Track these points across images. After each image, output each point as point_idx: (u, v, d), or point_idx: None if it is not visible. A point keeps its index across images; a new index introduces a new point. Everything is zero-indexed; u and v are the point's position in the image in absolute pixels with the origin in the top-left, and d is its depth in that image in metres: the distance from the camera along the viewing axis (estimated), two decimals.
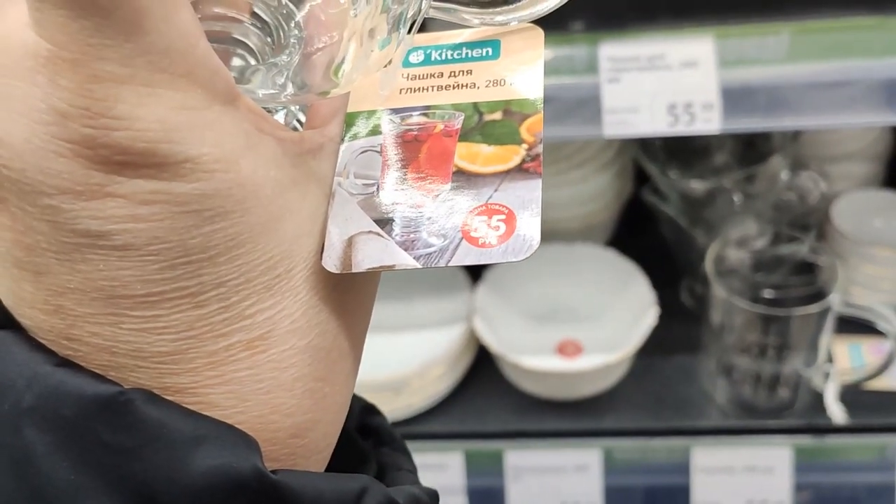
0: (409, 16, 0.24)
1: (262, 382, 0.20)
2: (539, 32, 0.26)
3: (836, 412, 0.82)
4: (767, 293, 0.94)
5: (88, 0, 0.16)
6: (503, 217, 0.22)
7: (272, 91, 0.22)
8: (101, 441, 0.18)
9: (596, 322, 0.94)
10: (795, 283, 0.92)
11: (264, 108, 0.22)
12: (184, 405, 0.19)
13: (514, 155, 0.24)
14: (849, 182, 1.01)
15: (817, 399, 0.84)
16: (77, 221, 0.18)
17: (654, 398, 0.88)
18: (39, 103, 0.17)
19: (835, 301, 0.79)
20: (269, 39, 0.22)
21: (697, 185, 0.87)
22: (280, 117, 0.25)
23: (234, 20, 0.22)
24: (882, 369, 0.82)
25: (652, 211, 0.95)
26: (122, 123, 0.17)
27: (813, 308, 0.78)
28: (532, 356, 0.86)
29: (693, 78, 0.67)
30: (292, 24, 0.22)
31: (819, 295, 0.87)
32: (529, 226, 0.22)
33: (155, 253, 0.19)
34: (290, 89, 0.22)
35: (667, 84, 0.67)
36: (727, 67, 0.68)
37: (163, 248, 0.19)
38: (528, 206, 0.23)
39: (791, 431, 0.84)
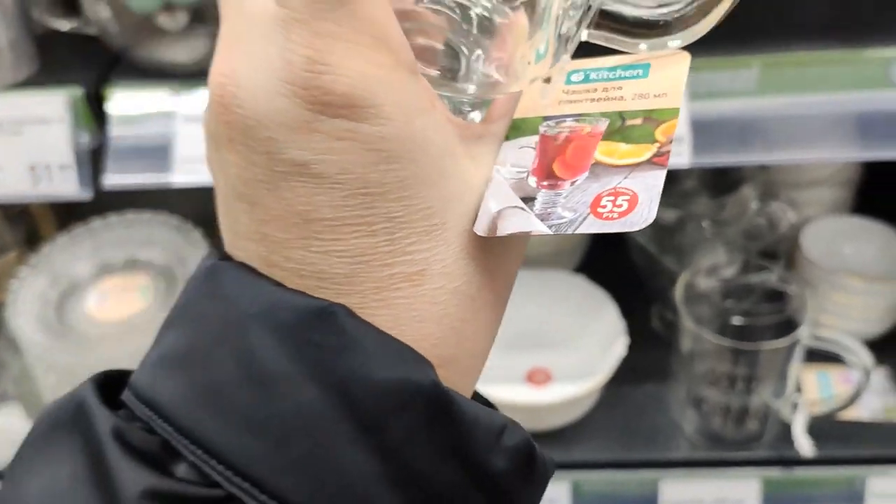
0: (567, 37, 0.29)
1: (416, 311, 0.24)
2: (686, 56, 0.29)
3: (804, 444, 0.81)
4: (737, 320, 0.94)
5: None
6: (628, 198, 0.26)
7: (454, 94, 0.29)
8: (311, 341, 0.23)
9: (566, 349, 0.93)
10: (765, 310, 0.92)
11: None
12: None
13: (646, 151, 0.27)
14: (819, 208, 1.01)
15: (786, 430, 0.84)
16: (286, 152, 0.23)
17: (624, 428, 0.87)
18: (274, 54, 0.23)
19: (803, 334, 0.78)
20: (454, 63, 0.28)
21: (667, 213, 0.87)
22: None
23: (428, 48, 0.27)
24: (850, 402, 0.82)
25: (622, 237, 0.94)
26: (330, 69, 0.22)
27: (781, 342, 0.77)
28: (501, 384, 0.85)
29: None
30: (476, 54, 0.27)
31: (789, 323, 0.86)
32: (649, 205, 0.26)
33: (342, 182, 0.23)
34: (470, 90, 0.28)
35: None
36: (697, 100, 0.67)
37: (348, 178, 0.23)
38: (650, 190, 0.26)
39: (759, 464, 0.83)
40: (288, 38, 0.23)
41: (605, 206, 0.26)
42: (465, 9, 0.27)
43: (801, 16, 0.71)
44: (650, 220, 0.26)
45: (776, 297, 0.90)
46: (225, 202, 0.26)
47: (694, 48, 0.29)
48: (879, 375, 0.93)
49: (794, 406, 0.83)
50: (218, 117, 0.24)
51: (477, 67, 0.28)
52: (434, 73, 0.27)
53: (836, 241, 0.98)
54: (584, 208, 0.26)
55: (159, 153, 0.68)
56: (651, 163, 0.27)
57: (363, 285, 0.24)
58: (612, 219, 0.26)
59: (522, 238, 0.27)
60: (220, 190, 0.26)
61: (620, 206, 0.26)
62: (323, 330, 0.23)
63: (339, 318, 0.23)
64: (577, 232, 0.26)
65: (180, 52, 0.66)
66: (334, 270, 0.24)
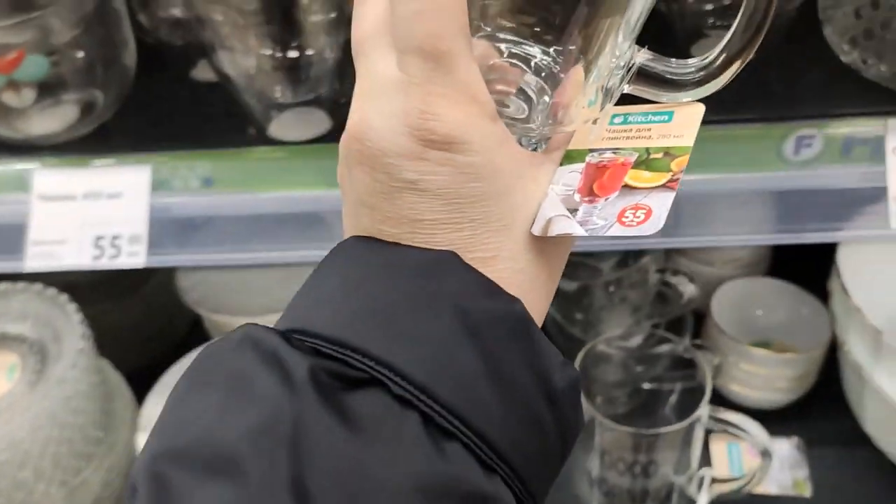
0: (612, 89, 0.37)
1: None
2: (701, 107, 0.37)
3: None
4: (647, 385, 0.91)
5: (431, 55, 0.31)
6: (645, 211, 0.34)
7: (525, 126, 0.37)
8: (435, 280, 0.32)
9: None
10: (674, 377, 0.89)
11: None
12: None
13: (663, 178, 0.35)
14: (733, 266, 1.00)
15: None
16: (402, 173, 0.32)
17: None
18: (397, 106, 0.31)
19: (702, 413, 0.76)
20: (524, 106, 0.36)
21: (569, 283, 0.84)
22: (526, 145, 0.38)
23: (506, 93, 0.36)
24: (755, 481, 0.79)
25: None
26: (436, 117, 0.31)
27: (677, 426, 0.74)
28: None
29: None
30: (545, 98, 0.36)
31: (699, 389, 0.84)
32: (659, 218, 0.33)
33: (440, 195, 0.32)
34: (535, 129, 0.37)
35: None
36: None
37: (445, 192, 0.32)
38: (661, 207, 0.33)
39: None
40: (407, 95, 0.31)
41: (627, 217, 0.34)
42: (528, 60, 0.35)
43: None
44: (658, 229, 0.33)
45: (685, 363, 0.87)
46: (351, 207, 0.35)
47: None
48: (790, 446, 0.91)
49: (700, 483, 0.81)
50: (352, 146, 0.33)
51: (541, 111, 0.36)
52: (508, 114, 0.36)
53: (748, 304, 0.96)
54: (612, 218, 0.34)
55: (12, 233, 0.64)
56: (665, 187, 0.34)
57: None
58: (633, 226, 0.34)
59: (568, 239, 0.36)
60: (346, 198, 0.35)
61: (639, 217, 0.34)
62: (443, 272, 0.32)
63: (454, 262, 0.32)
64: (606, 235, 0.34)
65: (33, 127, 0.62)
66: None
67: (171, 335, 1.07)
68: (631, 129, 0.38)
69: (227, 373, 0.30)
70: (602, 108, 0.37)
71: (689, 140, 0.36)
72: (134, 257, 0.62)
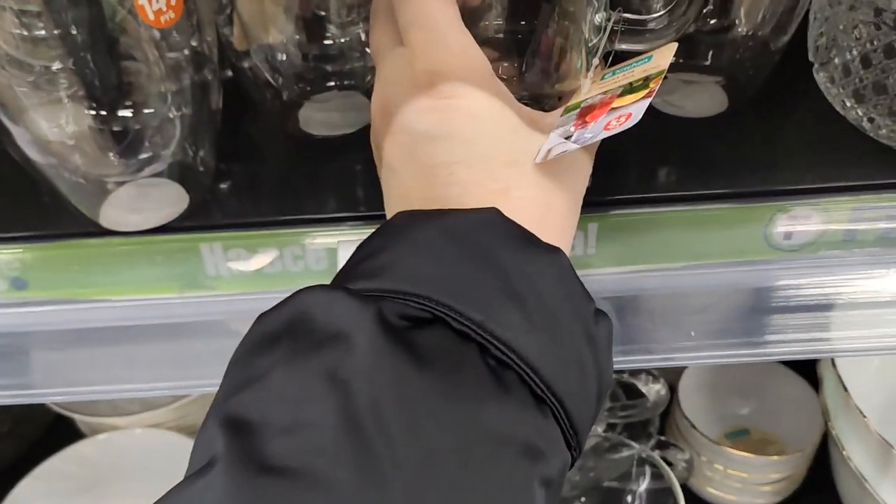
0: (595, 49, 0.43)
1: (512, 214, 0.36)
2: (674, 44, 0.43)
3: None
4: (609, 484, 0.77)
5: (424, 25, 0.38)
6: (626, 116, 0.39)
7: None
8: (478, 240, 0.35)
9: None
10: (640, 473, 0.75)
11: None
12: None
13: (641, 94, 0.40)
14: None
15: None
16: (418, 125, 0.38)
17: None
18: (407, 74, 0.39)
19: None
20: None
21: None
22: None
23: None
24: None
25: None
26: (439, 74, 0.38)
27: None
28: None
29: None
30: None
31: (669, 490, 0.69)
32: (637, 116, 0.38)
33: (451, 136, 0.37)
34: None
35: None
36: None
37: (455, 134, 0.37)
38: (639, 109, 0.39)
39: None
40: (413, 62, 0.38)
41: (611, 125, 0.39)
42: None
43: (645, 158, 0.54)
44: (636, 122, 0.38)
45: (651, 461, 0.73)
46: (384, 174, 0.41)
47: None
48: None
49: None
50: (378, 125, 0.40)
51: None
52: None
53: (722, 386, 0.82)
54: (598, 129, 0.39)
55: None
56: (643, 98, 0.40)
57: (470, 201, 0.37)
58: (615, 128, 0.39)
59: (583, 166, 0.42)
60: (380, 167, 0.41)
61: (620, 120, 0.39)
62: (486, 230, 0.35)
63: (496, 220, 0.35)
64: (594, 140, 0.39)
65: None
66: (450, 192, 0.37)
67: (29, 434, 0.91)
68: (617, 78, 0.43)
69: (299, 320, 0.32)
70: (588, 70, 0.43)
71: (663, 66, 0.41)
72: None
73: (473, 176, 0.37)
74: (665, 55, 0.42)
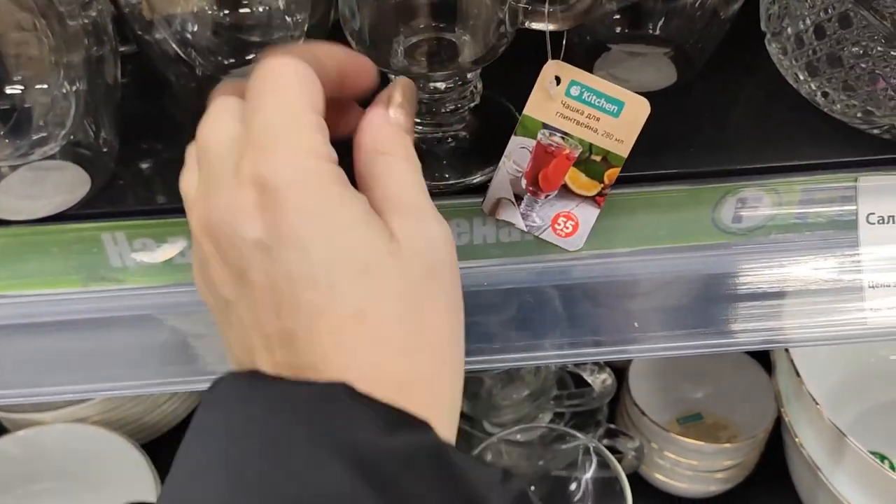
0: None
1: (369, 348, 0.30)
2: (647, 106, 0.41)
3: None
4: (558, 472, 0.74)
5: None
6: (574, 223, 0.41)
7: None
8: (324, 421, 0.28)
9: None
10: (588, 462, 0.73)
11: None
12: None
13: (594, 188, 0.41)
14: None
15: None
16: (247, 233, 0.30)
17: None
18: (230, 171, 0.31)
19: None
20: None
21: None
22: None
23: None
24: None
25: None
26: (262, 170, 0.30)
27: None
28: None
29: None
30: None
31: (618, 479, 0.67)
32: (583, 235, 0.41)
33: (283, 244, 0.30)
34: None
35: None
36: None
37: (287, 240, 0.30)
38: (586, 224, 0.42)
39: None
40: (240, 155, 0.31)
41: (559, 225, 0.41)
42: None
43: None
44: (579, 247, 0.42)
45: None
46: (216, 312, 0.33)
47: None
48: None
49: None
50: (203, 242, 0.32)
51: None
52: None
53: (673, 371, 0.80)
54: (547, 220, 0.41)
55: None
56: (593, 200, 0.42)
57: (319, 337, 0.29)
58: (561, 236, 0.41)
59: (451, 279, 0.32)
60: (210, 306, 0.34)
61: (567, 228, 0.41)
62: (332, 411, 0.27)
63: (343, 395, 0.28)
64: (539, 237, 0.41)
65: None
66: (295, 325, 0.29)
67: None
68: (583, 112, 0.41)
69: None
70: (509, 31, 0.42)
71: (625, 150, 0.42)
72: None
73: (317, 296, 0.29)
74: (634, 124, 0.41)
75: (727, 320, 0.47)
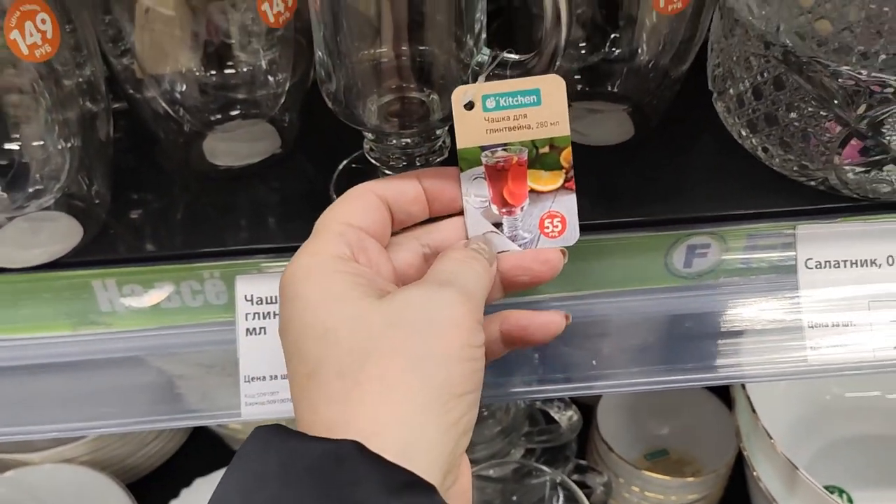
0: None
1: (370, 407, 0.32)
2: (559, 80, 0.40)
3: None
4: None
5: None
6: (560, 219, 0.41)
7: None
8: (332, 481, 0.29)
9: None
10: (557, 497, 0.74)
11: None
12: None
13: (559, 178, 0.41)
14: None
15: None
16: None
17: None
18: None
19: None
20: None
21: None
22: None
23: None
24: None
25: None
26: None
27: None
28: None
29: None
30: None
31: None
32: (574, 225, 0.41)
33: (289, 325, 0.35)
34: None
35: None
36: None
37: (291, 322, 0.35)
38: (570, 213, 0.41)
39: None
40: None
41: (548, 227, 0.41)
42: None
43: None
44: (577, 238, 0.41)
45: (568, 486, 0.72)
46: None
47: None
48: None
49: None
50: None
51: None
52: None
53: (640, 407, 0.82)
54: (535, 230, 0.41)
55: None
56: (565, 188, 0.41)
57: (327, 399, 0.32)
58: (556, 237, 0.41)
59: (454, 306, 0.34)
60: None
61: (557, 226, 0.41)
62: (340, 471, 0.28)
63: (354, 456, 0.29)
64: (538, 248, 0.40)
65: None
66: (310, 384, 0.33)
67: None
68: (508, 117, 0.41)
69: None
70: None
71: (564, 128, 0.41)
72: None
73: (291, 365, 0.34)
74: (558, 101, 0.40)
75: (681, 358, 0.49)
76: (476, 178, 0.41)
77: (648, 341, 0.50)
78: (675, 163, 0.53)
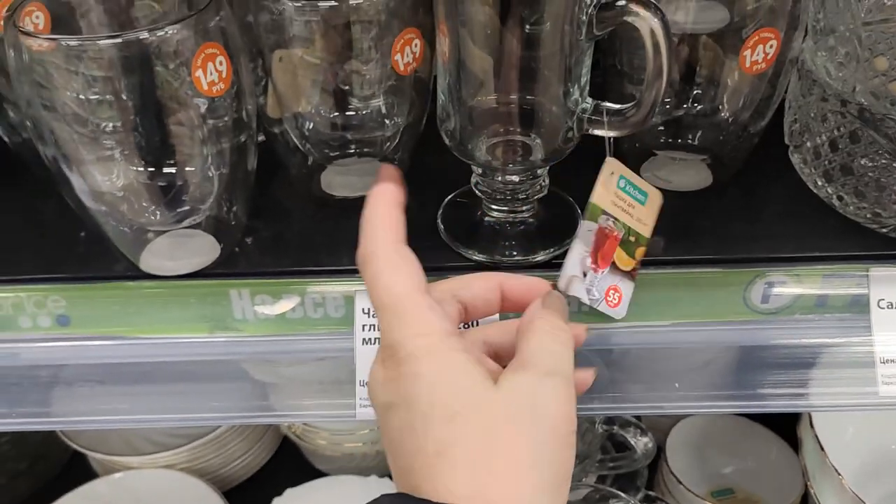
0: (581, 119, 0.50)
1: (448, 478, 0.36)
2: (660, 195, 0.51)
3: None
4: None
5: (388, 307, 0.39)
6: (619, 295, 0.48)
7: None
8: None
9: None
10: None
11: None
12: None
13: (630, 265, 0.49)
14: None
15: None
16: (380, 397, 0.39)
17: None
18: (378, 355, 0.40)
19: None
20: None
21: None
22: None
23: None
24: None
25: None
26: (395, 346, 0.38)
27: None
28: None
29: None
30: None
31: None
32: (625, 305, 0.48)
33: (400, 403, 0.37)
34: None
35: None
36: None
37: (402, 400, 0.38)
38: (626, 296, 0.48)
39: None
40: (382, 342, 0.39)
41: (611, 297, 0.47)
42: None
43: None
44: (623, 315, 0.48)
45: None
46: None
47: None
48: None
49: None
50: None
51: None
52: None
53: (708, 444, 0.84)
54: (602, 294, 0.47)
55: None
56: (630, 275, 0.49)
57: (416, 472, 0.36)
58: (611, 307, 0.47)
59: (546, 400, 0.37)
60: None
61: (614, 300, 0.48)
62: None
63: None
64: (596, 309, 0.47)
65: None
66: (402, 464, 0.36)
67: (45, 472, 0.92)
68: (626, 200, 0.49)
69: None
70: (576, 135, 0.50)
71: (648, 231, 0.50)
72: None
73: (415, 441, 0.36)
74: (652, 210, 0.49)
75: (755, 386, 0.52)
76: (588, 230, 0.47)
77: (726, 369, 0.53)
78: (752, 208, 0.57)
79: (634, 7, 0.44)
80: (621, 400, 0.52)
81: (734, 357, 0.54)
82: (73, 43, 0.43)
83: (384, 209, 0.41)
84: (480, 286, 0.43)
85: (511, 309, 0.44)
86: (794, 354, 0.53)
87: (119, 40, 0.42)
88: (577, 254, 0.46)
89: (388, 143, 0.60)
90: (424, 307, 0.38)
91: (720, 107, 0.56)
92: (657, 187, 0.51)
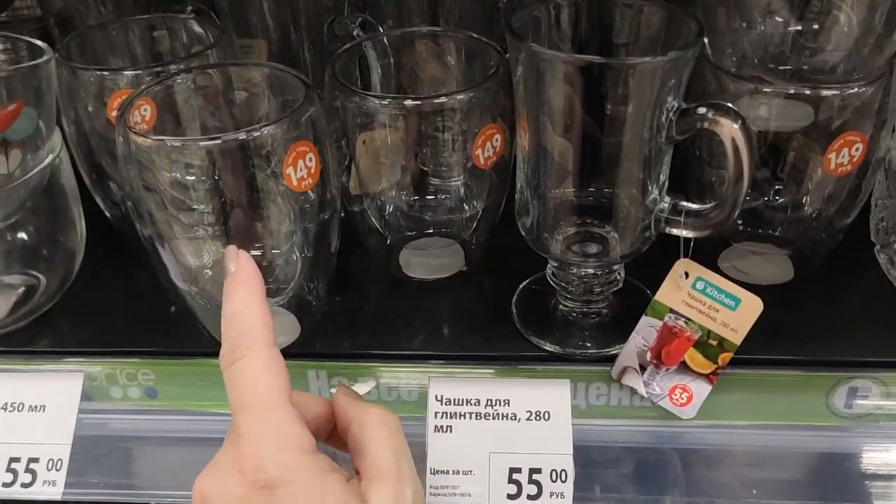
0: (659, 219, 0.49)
1: None
2: (759, 303, 0.48)
3: None
4: None
5: (250, 409, 0.37)
6: (688, 396, 0.47)
7: None
8: None
9: None
10: None
11: None
12: None
13: (709, 368, 0.47)
14: None
15: None
16: None
17: None
18: (230, 457, 0.37)
19: None
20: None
21: None
22: None
23: None
24: None
25: None
26: (261, 460, 0.36)
27: None
28: None
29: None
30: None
31: None
32: (695, 406, 0.48)
33: None
34: None
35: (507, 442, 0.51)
36: (582, 418, 0.51)
37: None
38: (699, 396, 0.47)
39: None
40: (235, 446, 0.36)
41: (675, 395, 0.47)
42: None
43: None
44: (692, 416, 0.47)
45: None
46: None
47: None
48: None
49: None
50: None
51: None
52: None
53: None
54: (665, 391, 0.47)
55: None
56: (707, 378, 0.47)
57: None
58: (676, 405, 0.47)
59: None
60: None
61: (682, 399, 0.47)
62: None
63: None
64: (657, 404, 0.47)
65: None
66: None
67: None
68: (705, 303, 0.48)
69: None
70: (653, 234, 0.49)
71: (739, 338, 0.47)
72: (50, 486, 0.50)
73: None
74: (748, 317, 0.47)
75: (837, 496, 0.50)
76: (651, 326, 0.48)
77: (807, 476, 0.51)
78: (835, 306, 0.55)
79: (714, 115, 0.43)
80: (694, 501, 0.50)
81: (816, 464, 0.51)
82: (175, 144, 0.45)
83: (257, 304, 0.39)
84: (317, 412, 0.42)
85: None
86: (879, 465, 0.50)
87: (218, 142, 0.44)
88: (633, 347, 0.47)
89: (467, 226, 0.60)
90: (293, 417, 0.36)
91: (803, 201, 0.54)
92: (737, 280, 0.49)
